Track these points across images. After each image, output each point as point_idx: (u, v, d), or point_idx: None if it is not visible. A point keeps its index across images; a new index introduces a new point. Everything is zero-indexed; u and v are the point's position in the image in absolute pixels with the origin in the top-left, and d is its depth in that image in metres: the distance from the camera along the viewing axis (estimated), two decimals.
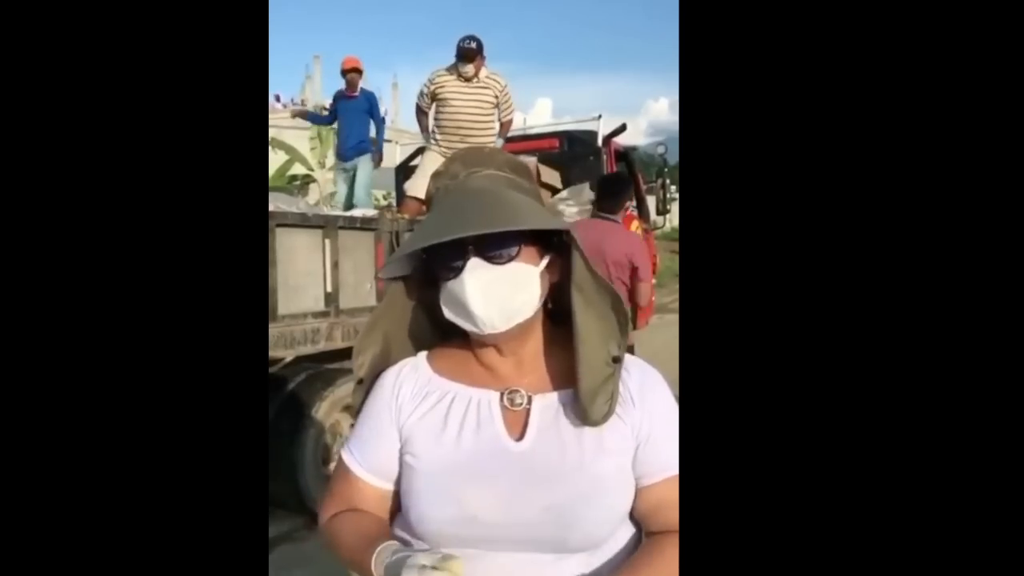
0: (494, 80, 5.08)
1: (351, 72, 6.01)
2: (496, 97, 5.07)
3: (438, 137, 5.10)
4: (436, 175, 1.04)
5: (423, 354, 1.05)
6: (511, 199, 0.95)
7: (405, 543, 0.93)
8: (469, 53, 4.90)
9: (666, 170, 7.35)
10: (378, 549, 0.89)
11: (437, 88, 5.02)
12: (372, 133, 6.22)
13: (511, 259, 0.93)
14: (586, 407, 0.91)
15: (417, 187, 4.94)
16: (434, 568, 0.80)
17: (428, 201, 1.04)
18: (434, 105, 5.13)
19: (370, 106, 6.14)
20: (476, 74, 4.98)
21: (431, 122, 5.21)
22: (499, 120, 5.22)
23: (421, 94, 5.14)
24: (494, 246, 0.92)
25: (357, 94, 6.07)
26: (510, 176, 1.01)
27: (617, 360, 0.93)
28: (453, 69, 5.02)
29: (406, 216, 4.47)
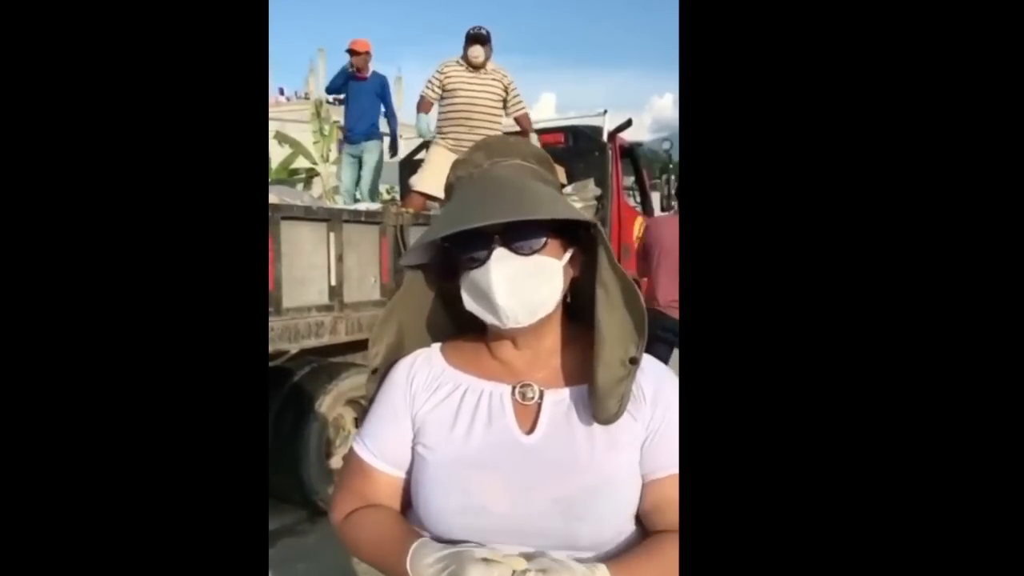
0: (500, 72, 5.06)
1: (360, 54, 5.91)
2: (504, 90, 5.04)
3: (444, 130, 5.07)
4: (458, 163, 1.02)
5: (436, 345, 1.05)
6: (537, 190, 0.94)
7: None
8: (480, 37, 4.87)
9: (671, 166, 7.35)
10: (414, 546, 0.87)
11: (446, 78, 4.99)
12: (381, 119, 6.17)
13: (536, 251, 0.92)
14: (598, 405, 0.91)
15: (423, 182, 4.92)
16: (497, 561, 0.80)
17: (448, 191, 1.02)
18: (441, 96, 5.11)
19: (382, 89, 6.06)
20: (485, 63, 4.96)
21: (434, 115, 5.19)
22: (511, 116, 5.17)
23: (431, 85, 5.09)
24: (520, 237, 0.91)
25: (368, 76, 5.98)
26: (534, 167, 1.00)
27: (634, 361, 0.92)
28: (460, 61, 5.00)
29: (411, 210, 4.46)
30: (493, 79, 5.01)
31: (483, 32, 4.91)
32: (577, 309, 1.01)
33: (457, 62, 5.02)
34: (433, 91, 5.10)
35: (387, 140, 6.29)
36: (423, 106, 5.25)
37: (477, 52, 4.90)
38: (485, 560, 0.81)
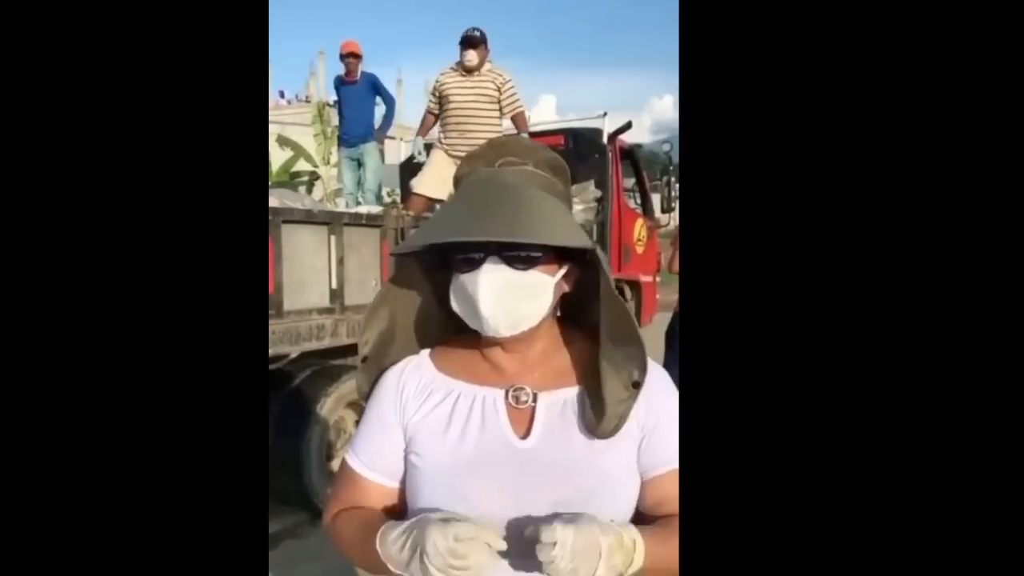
0: (495, 73, 4.99)
1: (348, 57, 5.91)
2: (498, 89, 4.95)
3: (443, 135, 5.07)
4: (470, 157, 1.00)
5: (426, 352, 1.04)
6: (539, 207, 0.91)
7: None
8: (472, 40, 4.84)
9: (671, 168, 7.33)
10: (382, 529, 0.88)
11: (440, 87, 4.99)
12: (379, 115, 6.17)
13: (530, 266, 0.91)
14: (596, 421, 0.91)
15: (423, 184, 4.92)
16: (456, 520, 0.81)
17: (455, 183, 1.00)
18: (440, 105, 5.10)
19: (374, 87, 6.05)
20: (479, 66, 4.92)
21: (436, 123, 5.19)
22: (506, 116, 5.08)
23: (430, 98, 5.09)
24: (517, 249, 0.90)
25: (357, 79, 5.98)
26: (546, 175, 0.97)
27: (637, 386, 0.92)
28: (455, 67, 4.99)
29: (411, 213, 4.46)
30: (487, 80, 4.94)
31: (475, 34, 4.86)
32: (570, 315, 1.00)
33: (452, 68, 5.00)
34: (432, 102, 5.09)
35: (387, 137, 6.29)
36: (426, 123, 5.25)
37: (470, 56, 4.87)
38: (443, 520, 0.81)
